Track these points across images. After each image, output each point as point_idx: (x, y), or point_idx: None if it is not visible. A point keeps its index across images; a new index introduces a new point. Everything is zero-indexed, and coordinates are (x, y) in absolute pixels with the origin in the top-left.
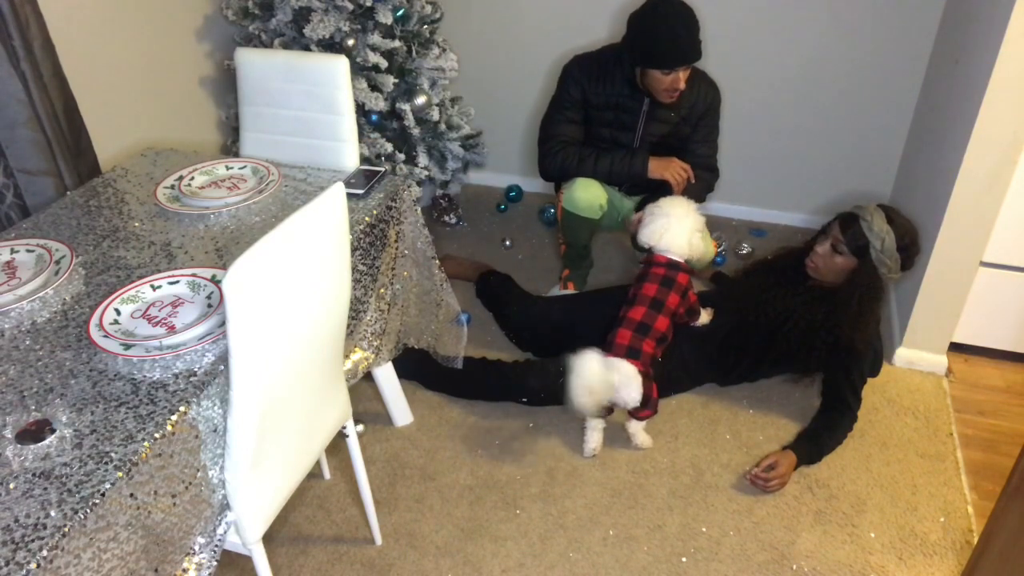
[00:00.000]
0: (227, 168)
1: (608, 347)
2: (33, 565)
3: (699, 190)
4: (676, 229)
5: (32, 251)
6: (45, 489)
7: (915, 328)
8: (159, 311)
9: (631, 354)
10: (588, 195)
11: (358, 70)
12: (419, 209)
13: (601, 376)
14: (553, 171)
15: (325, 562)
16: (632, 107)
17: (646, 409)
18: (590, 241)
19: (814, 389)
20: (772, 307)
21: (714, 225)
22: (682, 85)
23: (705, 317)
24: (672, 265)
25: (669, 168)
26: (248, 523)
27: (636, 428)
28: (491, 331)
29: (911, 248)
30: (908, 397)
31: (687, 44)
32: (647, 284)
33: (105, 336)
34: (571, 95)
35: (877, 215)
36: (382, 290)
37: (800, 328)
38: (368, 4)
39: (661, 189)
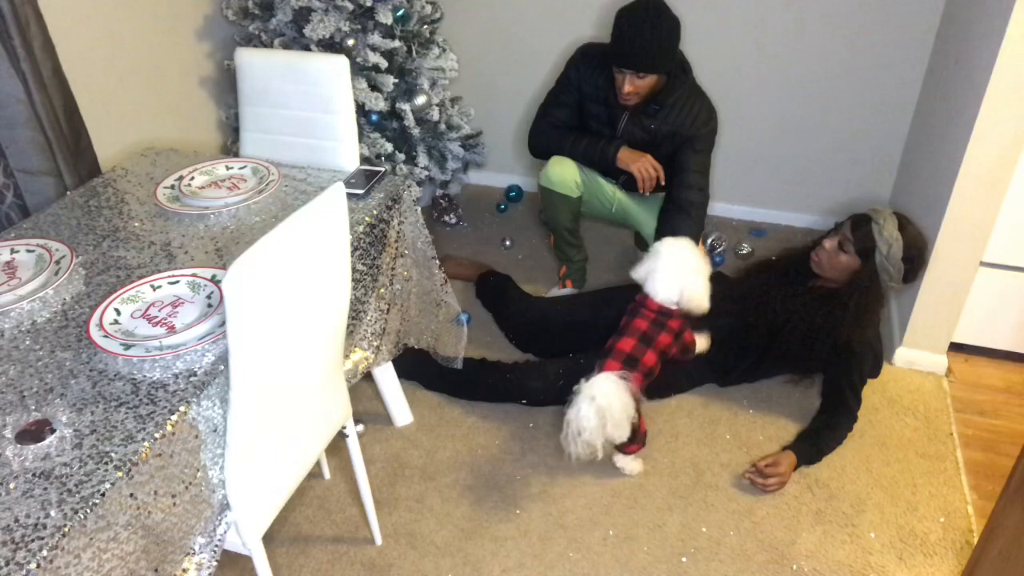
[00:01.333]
0: (227, 168)
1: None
2: (33, 565)
3: (692, 226)
4: (664, 273)
5: (32, 251)
6: (45, 489)
7: (915, 328)
8: (159, 311)
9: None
10: (561, 170)
11: (358, 70)
12: (419, 209)
13: (622, 399)
14: (538, 147)
15: (325, 562)
16: (616, 105)
17: (634, 444)
18: (575, 226)
19: (814, 389)
20: (772, 308)
21: (714, 225)
22: (627, 88)
23: (703, 344)
24: (663, 312)
25: (638, 162)
26: (248, 523)
27: (624, 461)
28: (491, 331)
29: (916, 260)
30: (908, 397)
31: (639, 50)
32: (639, 319)
33: (105, 336)
34: (569, 80)
35: (890, 221)
36: (382, 290)
37: (800, 329)
38: (368, 4)
39: (660, 187)
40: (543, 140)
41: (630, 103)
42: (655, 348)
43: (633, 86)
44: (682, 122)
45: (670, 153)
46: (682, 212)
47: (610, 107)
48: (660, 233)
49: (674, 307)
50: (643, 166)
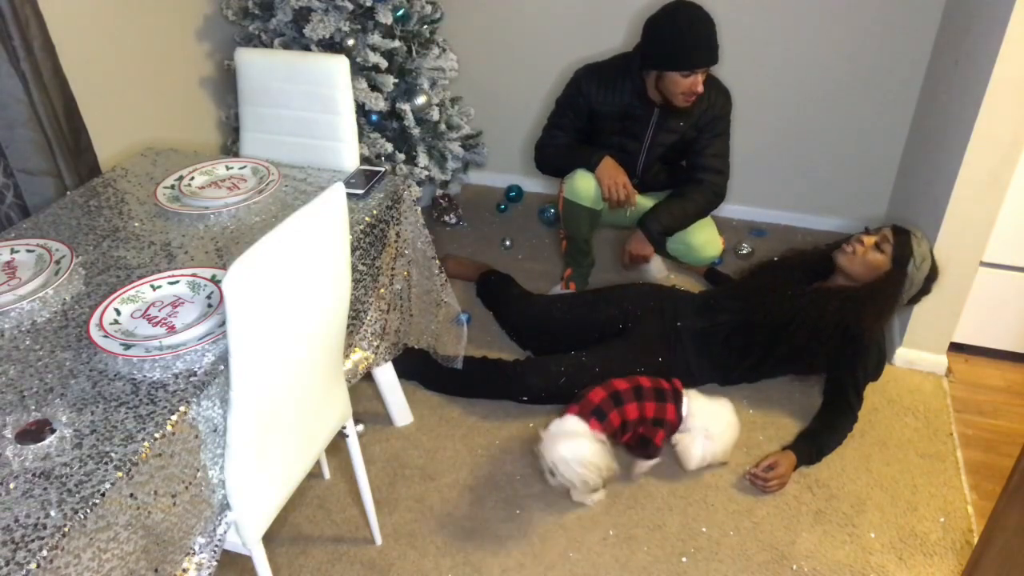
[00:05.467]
0: (227, 168)
1: (577, 398)
2: (33, 565)
3: (705, 194)
4: (712, 412)
5: (32, 251)
6: (45, 489)
7: (915, 328)
8: (159, 311)
9: (597, 413)
10: (588, 183)
11: (358, 70)
12: (419, 209)
13: (596, 458)
14: (538, 160)
15: (325, 562)
16: (641, 116)
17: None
18: (591, 235)
19: (815, 389)
20: (781, 305)
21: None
22: (700, 88)
23: (645, 468)
24: (676, 394)
25: (612, 178)
26: (248, 523)
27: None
28: (491, 331)
29: (927, 286)
30: (908, 397)
31: (707, 46)
32: (648, 378)
33: (105, 336)
34: (572, 101)
35: (925, 242)
36: (382, 290)
37: (807, 325)
38: (368, 4)
39: (672, 185)
40: (542, 155)
41: (692, 102)
42: (640, 407)
43: (700, 84)
44: (703, 110)
45: (694, 137)
46: (696, 183)
47: (631, 119)
48: (669, 199)
49: (682, 419)
50: (612, 184)
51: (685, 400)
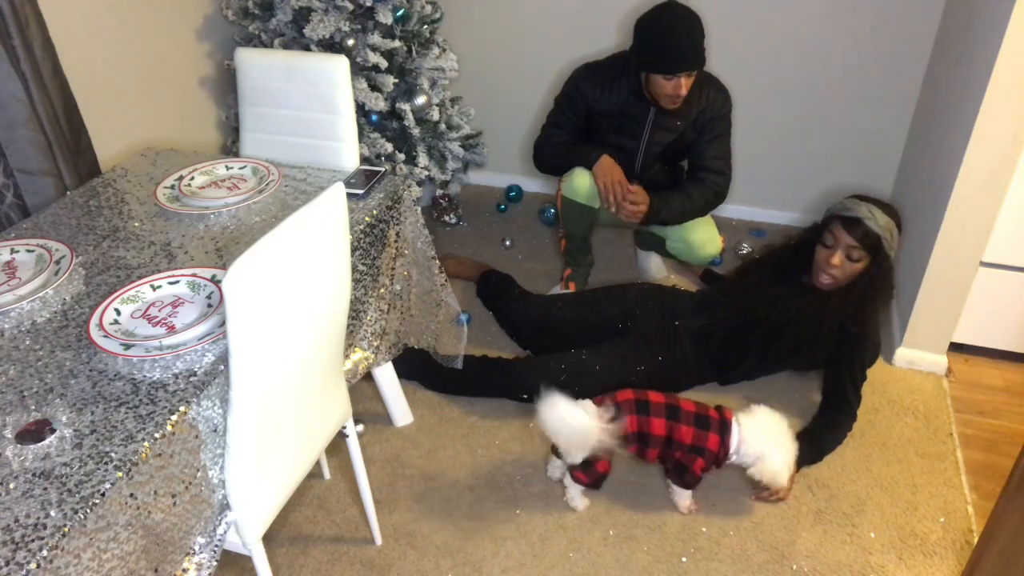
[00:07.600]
0: (227, 168)
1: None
2: (33, 565)
3: (706, 193)
4: (760, 428)
5: (32, 251)
6: (45, 489)
7: (915, 328)
8: (159, 311)
9: (614, 407)
10: (586, 181)
11: (358, 70)
12: (419, 209)
13: (586, 433)
14: (537, 159)
15: (325, 562)
16: (638, 115)
17: (583, 474)
18: (590, 234)
19: (814, 387)
20: (780, 303)
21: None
22: (683, 91)
23: (686, 502)
24: (724, 425)
25: (609, 176)
26: (248, 523)
27: (569, 483)
28: (491, 331)
29: (900, 221)
30: (908, 397)
31: (689, 50)
32: (691, 403)
33: (105, 336)
34: (570, 100)
35: (875, 209)
36: (382, 290)
37: (807, 321)
38: (368, 4)
39: (672, 186)
40: (540, 152)
41: (678, 105)
42: (672, 426)
43: (687, 87)
44: (701, 110)
45: (694, 138)
46: (697, 181)
47: (628, 117)
48: (670, 191)
49: (733, 457)
50: (609, 183)
51: (735, 430)
